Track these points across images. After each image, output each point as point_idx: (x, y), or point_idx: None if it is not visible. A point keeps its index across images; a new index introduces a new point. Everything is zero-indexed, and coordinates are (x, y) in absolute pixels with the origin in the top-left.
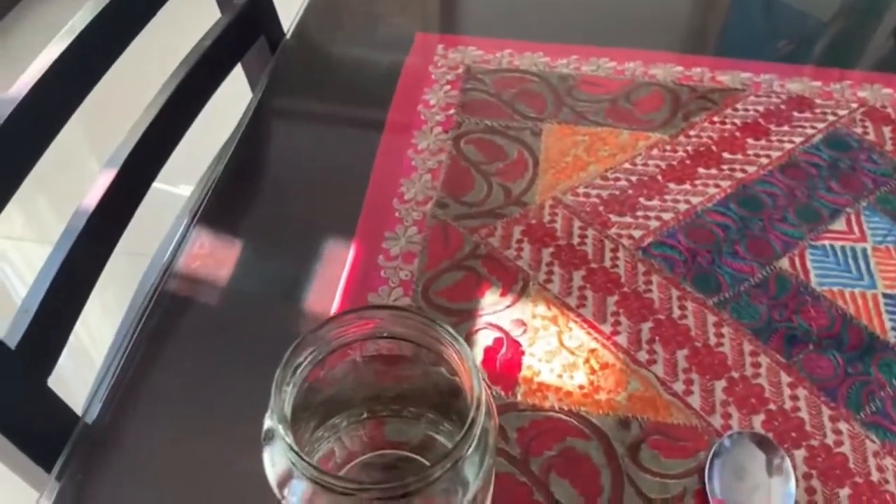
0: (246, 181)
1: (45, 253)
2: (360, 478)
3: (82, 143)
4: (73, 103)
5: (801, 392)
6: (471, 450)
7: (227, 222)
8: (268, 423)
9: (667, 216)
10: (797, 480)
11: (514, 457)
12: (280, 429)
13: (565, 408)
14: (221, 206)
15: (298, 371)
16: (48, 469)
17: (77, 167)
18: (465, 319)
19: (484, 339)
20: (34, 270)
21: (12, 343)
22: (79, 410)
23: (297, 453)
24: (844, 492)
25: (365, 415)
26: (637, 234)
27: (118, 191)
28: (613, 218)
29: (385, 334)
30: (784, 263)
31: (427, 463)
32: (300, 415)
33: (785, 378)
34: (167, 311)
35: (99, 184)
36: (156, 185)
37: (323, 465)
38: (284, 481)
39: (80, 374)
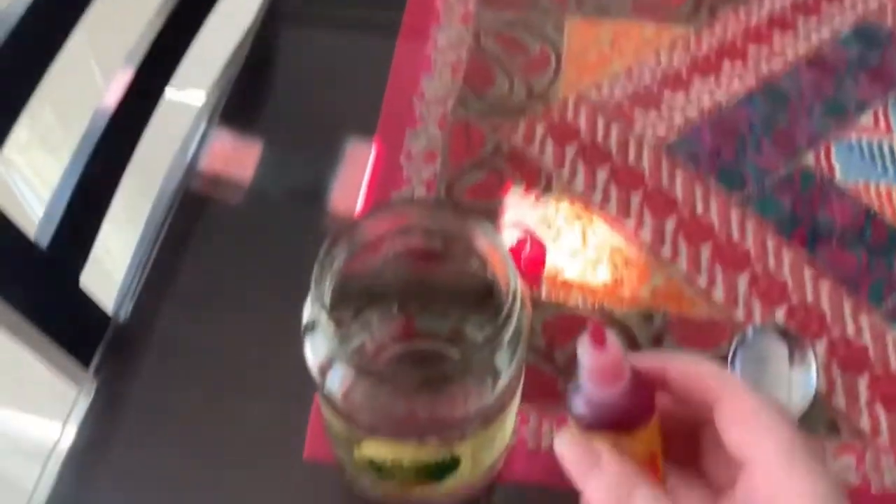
0: (263, 82)
1: (52, 161)
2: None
3: (86, 51)
4: (78, 11)
5: (824, 286)
6: (507, 338)
7: (246, 123)
8: (308, 313)
9: (691, 112)
10: (818, 370)
11: (540, 349)
12: (322, 318)
13: (589, 304)
14: (240, 106)
15: (335, 264)
16: (86, 365)
17: (82, 75)
18: (489, 218)
19: (508, 237)
20: (42, 179)
21: (44, 243)
22: (109, 310)
23: (339, 340)
24: (864, 380)
25: (396, 309)
26: (662, 129)
27: (135, 91)
28: (638, 114)
29: (419, 229)
30: (809, 159)
31: (457, 355)
32: (333, 309)
33: (808, 272)
34: (192, 211)
35: (115, 85)
36: (169, 92)
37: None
38: (325, 368)
39: (106, 274)
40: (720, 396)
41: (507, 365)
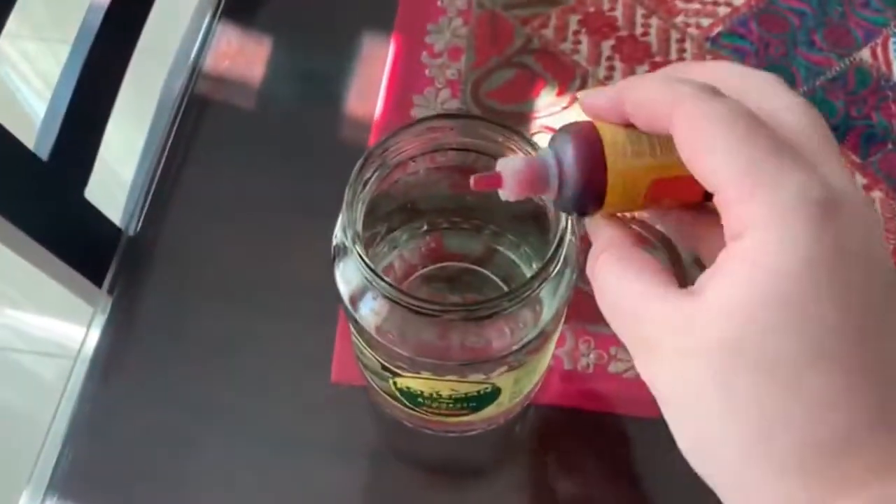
0: None
1: (41, 50)
2: (423, 291)
3: None
4: None
5: (877, 194)
6: (556, 269)
7: (252, 17)
8: (338, 238)
9: (738, 1)
10: None
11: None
12: (356, 247)
13: (629, 215)
14: (245, 0)
15: (368, 186)
16: (98, 284)
17: None
18: (519, 122)
19: (541, 143)
20: (34, 68)
21: (44, 154)
22: (117, 222)
23: (373, 272)
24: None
25: (425, 227)
26: (705, 22)
27: None
28: (680, 4)
29: (455, 145)
30: (865, 54)
31: (490, 275)
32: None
33: (860, 179)
34: (198, 115)
35: None
36: None
37: None
38: (356, 298)
39: (111, 185)
40: (673, 117)
41: (553, 295)
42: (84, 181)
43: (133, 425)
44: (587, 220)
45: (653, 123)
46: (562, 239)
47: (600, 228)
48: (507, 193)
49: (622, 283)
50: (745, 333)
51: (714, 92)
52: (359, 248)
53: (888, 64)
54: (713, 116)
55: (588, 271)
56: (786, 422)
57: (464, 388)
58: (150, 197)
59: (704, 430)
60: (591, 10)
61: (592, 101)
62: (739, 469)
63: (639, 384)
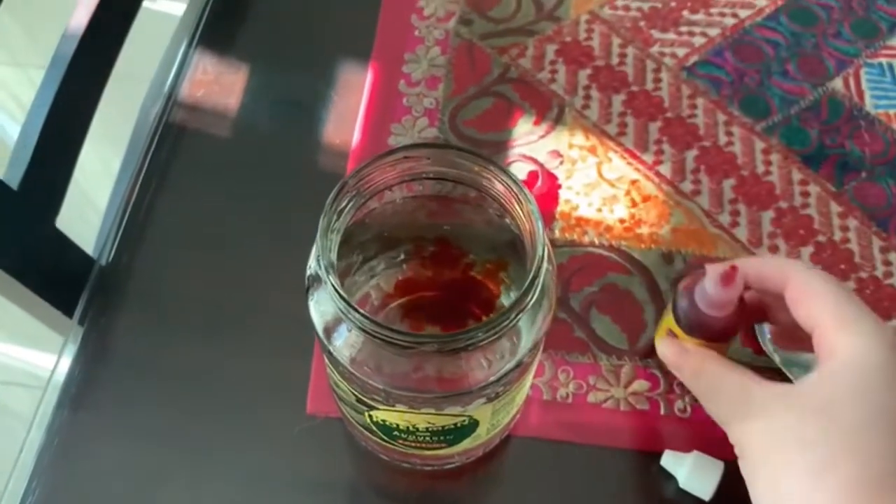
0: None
1: (16, 75)
2: (401, 321)
3: None
4: None
5: (852, 222)
6: (534, 299)
7: (229, 45)
8: (312, 268)
9: (713, 32)
10: None
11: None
12: (329, 277)
13: (606, 243)
14: (221, 26)
15: (343, 215)
16: (69, 314)
17: None
18: (496, 151)
19: (518, 172)
20: (11, 93)
21: (14, 183)
22: (89, 252)
23: (347, 302)
24: (894, 322)
25: (402, 256)
26: (681, 52)
27: (107, 8)
28: (655, 34)
29: (432, 174)
30: (838, 84)
31: (469, 304)
32: (338, 260)
33: (835, 208)
34: (173, 144)
35: (84, 2)
36: (144, 6)
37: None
38: (331, 329)
39: (84, 214)
40: (786, 283)
41: (531, 325)
42: (55, 210)
43: (103, 459)
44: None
45: (768, 287)
46: (538, 269)
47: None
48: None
49: (723, 370)
50: (832, 398)
51: (810, 266)
52: (332, 279)
53: (860, 94)
54: (814, 281)
55: (688, 378)
56: (847, 459)
57: (440, 422)
58: (123, 226)
59: (780, 472)
60: (568, 39)
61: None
62: (808, 493)
63: (618, 415)
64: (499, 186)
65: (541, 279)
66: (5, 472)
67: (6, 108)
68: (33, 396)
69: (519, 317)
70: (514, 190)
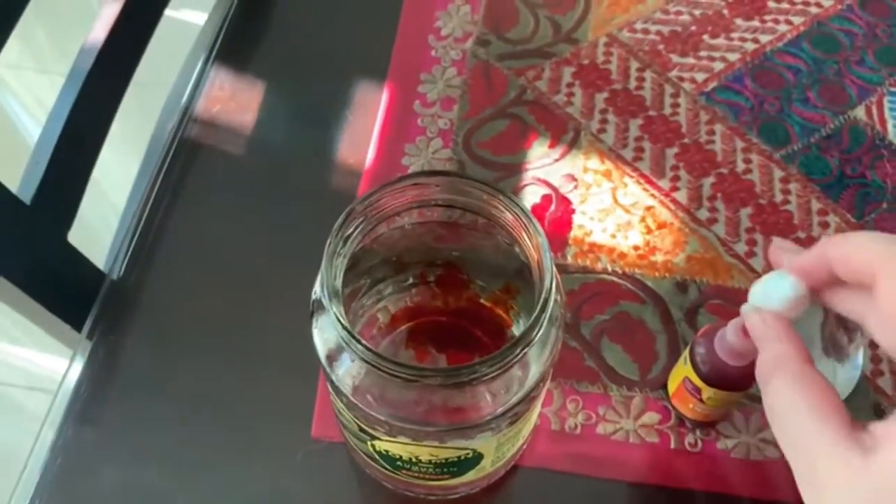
0: (263, 19)
1: (43, 82)
2: (407, 346)
3: None
4: None
5: None
6: (540, 332)
7: (246, 61)
8: (317, 294)
9: (732, 57)
10: (865, 349)
11: (565, 321)
12: (333, 305)
13: (619, 270)
14: (239, 43)
15: (349, 241)
16: (78, 328)
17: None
18: (510, 174)
19: (531, 195)
20: (35, 98)
21: (27, 197)
22: (101, 266)
23: (349, 332)
24: None
25: (410, 280)
26: (700, 77)
27: (126, 21)
28: (674, 58)
29: (441, 202)
30: (860, 112)
31: (475, 330)
32: (344, 286)
33: None
34: (187, 160)
35: (105, 14)
36: (162, 23)
37: (366, 332)
38: (333, 357)
39: (96, 228)
40: (876, 285)
41: (538, 358)
42: (67, 225)
43: (105, 478)
44: (749, 315)
45: (858, 275)
46: (545, 303)
47: (771, 337)
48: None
49: (798, 416)
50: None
51: None
52: (335, 307)
53: (882, 122)
54: None
55: (759, 377)
56: None
57: (444, 454)
58: (135, 240)
59: None
60: (586, 62)
61: (800, 264)
62: None
63: (628, 447)
64: (507, 216)
65: (547, 313)
66: (7, 488)
67: (34, 114)
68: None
69: (525, 351)
70: (524, 221)
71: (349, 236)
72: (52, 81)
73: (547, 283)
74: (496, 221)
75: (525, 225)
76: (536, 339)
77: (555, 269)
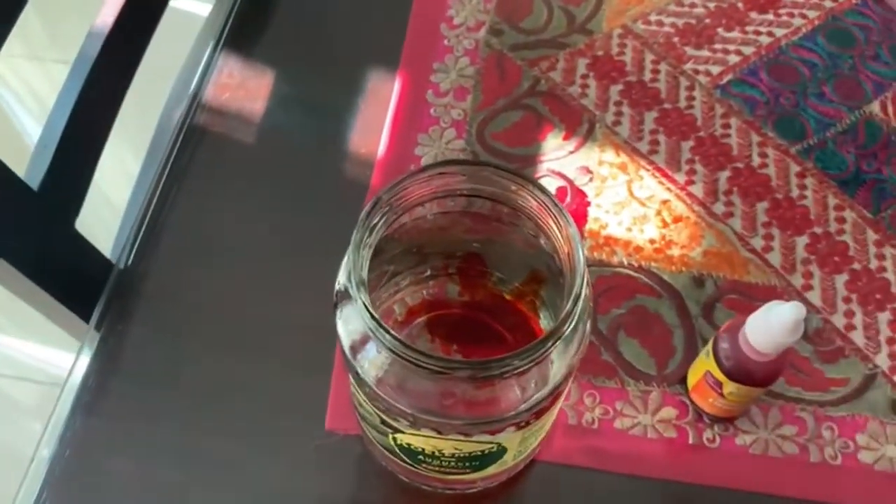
0: (273, 2)
1: (38, 70)
2: (424, 337)
3: None
4: None
5: (889, 251)
6: (572, 325)
7: (255, 48)
8: (341, 284)
9: (748, 50)
10: (879, 346)
11: (592, 314)
12: (360, 295)
13: (635, 264)
14: (248, 29)
15: (375, 231)
16: (86, 319)
17: None
18: (524, 166)
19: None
20: (30, 89)
21: (34, 183)
22: (108, 255)
23: (378, 322)
24: None
25: (429, 272)
26: (715, 69)
27: (133, 8)
28: (689, 51)
29: (466, 191)
30: (875, 107)
31: (494, 323)
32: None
33: (871, 235)
34: (195, 148)
35: (110, 1)
36: (170, 6)
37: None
38: (357, 348)
39: (101, 216)
40: None
41: (564, 352)
42: (75, 212)
43: (114, 473)
44: None
45: None
46: (578, 295)
47: None
48: None
49: None
50: None
51: None
52: (363, 297)
53: None
54: None
55: None
56: None
57: (468, 448)
58: (143, 229)
59: None
60: (600, 53)
61: None
62: None
63: (645, 442)
64: (535, 206)
65: (580, 306)
66: (16, 476)
67: (24, 101)
68: (48, 396)
69: (556, 344)
70: (554, 212)
71: (375, 226)
72: (44, 69)
73: (579, 275)
74: (522, 211)
75: (555, 216)
76: (568, 331)
77: (586, 261)
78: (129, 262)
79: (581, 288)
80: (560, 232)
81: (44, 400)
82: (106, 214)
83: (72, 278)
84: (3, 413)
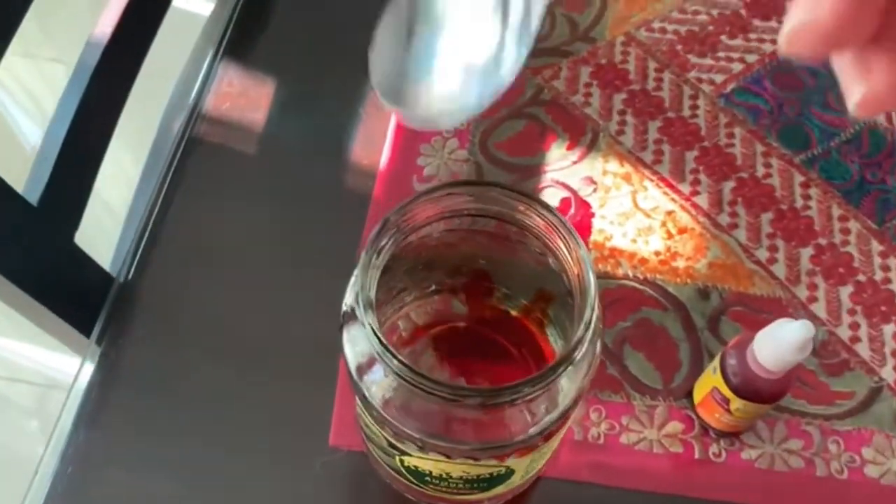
0: (273, 10)
1: (31, 68)
2: (429, 354)
3: None
4: None
5: (893, 262)
6: (584, 350)
7: (255, 57)
8: (348, 304)
9: (751, 58)
10: (884, 358)
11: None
12: (368, 318)
13: (640, 276)
14: (247, 38)
15: (383, 253)
16: (87, 333)
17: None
18: (527, 176)
19: (549, 198)
20: (22, 87)
21: (33, 198)
22: (108, 271)
23: (385, 347)
24: None
25: (434, 287)
26: (718, 78)
27: (134, 14)
28: (693, 59)
29: (472, 211)
30: (880, 116)
31: (500, 339)
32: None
33: (876, 246)
34: (196, 158)
35: (111, 7)
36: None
37: (387, 339)
38: (364, 369)
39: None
40: None
41: (576, 373)
42: (74, 226)
43: (117, 487)
44: None
45: None
46: (589, 320)
47: None
48: None
49: None
50: None
51: None
52: (371, 321)
53: None
54: None
55: None
56: None
57: (476, 471)
58: (143, 242)
59: None
60: (603, 61)
61: None
62: None
63: (651, 457)
64: (542, 226)
65: (591, 329)
66: (15, 477)
67: (17, 100)
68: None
69: (567, 369)
70: (563, 233)
71: (383, 247)
72: (38, 66)
73: (591, 298)
74: (529, 231)
75: (564, 236)
76: (580, 357)
77: (595, 284)
78: (130, 275)
79: (592, 313)
80: (570, 254)
81: (39, 402)
82: (105, 223)
83: (72, 293)
84: (1, 414)
